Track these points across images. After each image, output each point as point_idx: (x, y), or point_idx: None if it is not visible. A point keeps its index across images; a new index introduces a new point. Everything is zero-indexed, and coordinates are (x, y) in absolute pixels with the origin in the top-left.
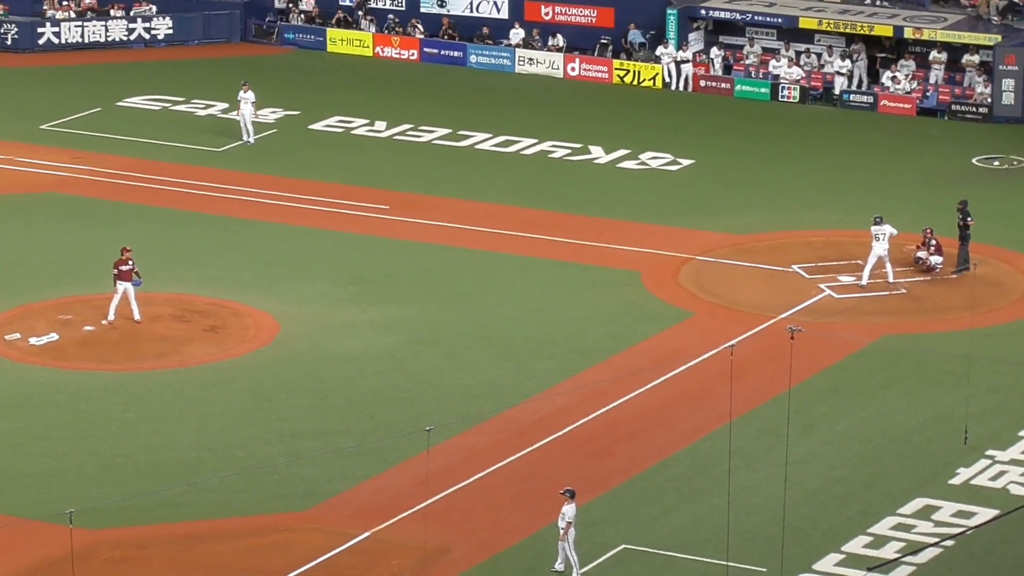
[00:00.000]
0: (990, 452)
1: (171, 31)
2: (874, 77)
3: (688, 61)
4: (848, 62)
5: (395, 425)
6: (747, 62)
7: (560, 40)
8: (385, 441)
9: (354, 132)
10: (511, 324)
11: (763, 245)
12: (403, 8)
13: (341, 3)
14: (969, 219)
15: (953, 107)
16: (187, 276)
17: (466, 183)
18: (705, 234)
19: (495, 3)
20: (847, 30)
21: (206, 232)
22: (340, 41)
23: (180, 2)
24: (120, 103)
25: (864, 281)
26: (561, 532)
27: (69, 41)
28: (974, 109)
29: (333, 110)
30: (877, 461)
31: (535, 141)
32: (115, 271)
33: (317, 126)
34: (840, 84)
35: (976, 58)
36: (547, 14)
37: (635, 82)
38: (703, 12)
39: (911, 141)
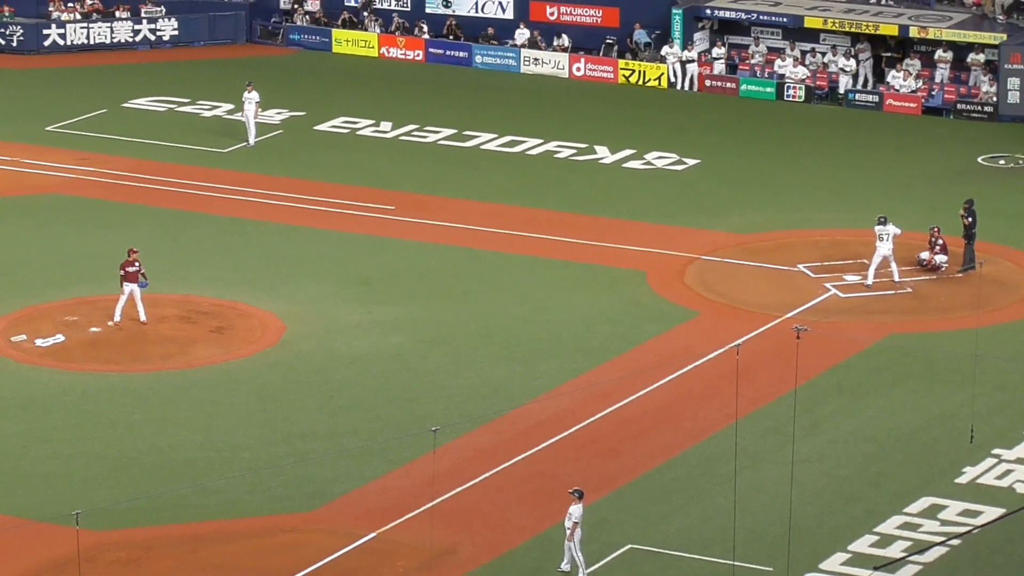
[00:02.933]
0: (996, 451)
1: (176, 32)
2: (879, 76)
3: (693, 61)
4: (853, 61)
5: (401, 425)
6: (752, 62)
7: (565, 40)
8: (391, 441)
9: (359, 133)
10: (516, 324)
11: (768, 244)
12: (408, 9)
13: (346, 4)
14: (969, 219)
15: (958, 106)
16: (193, 277)
17: (471, 183)
18: (710, 233)
19: (500, 3)
20: (852, 29)
21: (212, 233)
22: (345, 42)
23: (185, 3)
24: (125, 104)
25: (870, 280)
26: (568, 532)
27: (74, 43)
28: (979, 108)
29: (338, 111)
30: (883, 460)
31: (540, 141)
32: (121, 272)
33: (322, 127)
34: (845, 83)
35: (981, 57)
36: (552, 14)
37: (640, 82)
38: (708, 12)
39: (916, 140)
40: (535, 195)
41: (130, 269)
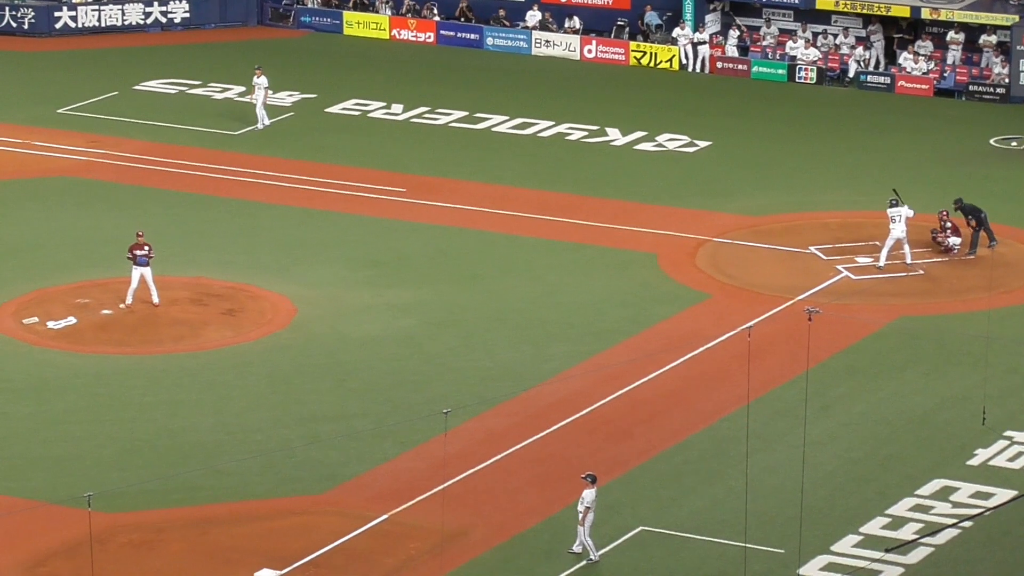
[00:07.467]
0: (1008, 433)
1: (188, 15)
2: (891, 58)
3: (705, 43)
4: (861, 48)
5: (412, 408)
6: (764, 43)
7: (577, 22)
8: (402, 424)
9: (371, 115)
10: (528, 306)
11: (780, 227)
12: None
13: None
14: (969, 218)
15: (970, 88)
16: (204, 260)
17: (483, 166)
18: (722, 216)
19: None
20: (864, 11)
21: (223, 216)
22: (357, 24)
23: None
24: (137, 87)
25: (882, 262)
26: (580, 517)
27: (86, 25)
28: (991, 89)
29: (350, 93)
30: (895, 442)
31: (552, 123)
32: (129, 256)
33: (334, 109)
34: (853, 66)
35: (993, 38)
36: None
37: (652, 64)
38: None
39: (928, 122)
40: (546, 178)
41: (138, 252)
